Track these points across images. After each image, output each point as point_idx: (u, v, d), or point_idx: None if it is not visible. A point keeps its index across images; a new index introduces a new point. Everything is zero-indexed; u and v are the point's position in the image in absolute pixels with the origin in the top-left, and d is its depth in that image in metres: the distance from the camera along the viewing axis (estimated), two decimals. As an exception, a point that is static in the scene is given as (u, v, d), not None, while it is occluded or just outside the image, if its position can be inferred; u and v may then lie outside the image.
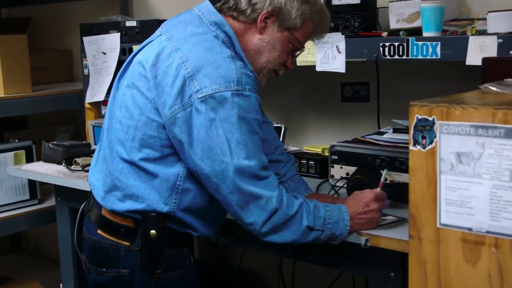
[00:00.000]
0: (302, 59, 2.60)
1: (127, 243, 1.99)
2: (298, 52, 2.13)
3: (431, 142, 1.57)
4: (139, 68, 1.95)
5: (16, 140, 3.53)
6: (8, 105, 3.01)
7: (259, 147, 1.89)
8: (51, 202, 3.53)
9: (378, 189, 2.07)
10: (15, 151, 3.44)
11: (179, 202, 1.96)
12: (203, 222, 2.03)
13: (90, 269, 2.10)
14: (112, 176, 1.99)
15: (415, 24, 2.42)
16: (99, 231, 2.05)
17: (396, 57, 2.37)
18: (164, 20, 2.15)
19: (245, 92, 1.84)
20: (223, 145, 1.82)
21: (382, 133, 2.71)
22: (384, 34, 2.46)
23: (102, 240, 2.03)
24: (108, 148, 2.03)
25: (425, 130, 1.57)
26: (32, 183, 3.53)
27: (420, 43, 2.31)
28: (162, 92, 1.87)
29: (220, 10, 2.02)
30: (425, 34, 2.32)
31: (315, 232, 1.94)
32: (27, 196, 3.54)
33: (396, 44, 2.36)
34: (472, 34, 2.27)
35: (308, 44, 2.55)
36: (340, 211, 2.00)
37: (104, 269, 2.03)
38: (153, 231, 1.94)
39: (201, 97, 1.81)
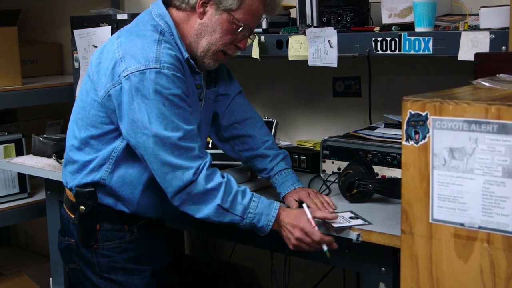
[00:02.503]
0: (294, 53, 2.60)
1: (72, 216, 2.23)
2: (249, 32, 2.18)
3: (424, 137, 1.57)
4: (93, 57, 2.17)
5: (6, 133, 3.51)
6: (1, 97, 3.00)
7: (184, 119, 2.01)
8: (41, 195, 3.51)
9: (316, 228, 2.08)
10: (5, 144, 3.43)
11: (111, 171, 2.13)
12: (138, 197, 2.16)
13: (58, 237, 2.35)
14: (67, 153, 2.23)
15: (407, 19, 2.41)
16: (63, 205, 2.32)
17: (388, 52, 2.37)
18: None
19: (163, 70, 1.98)
20: (143, 118, 1.98)
21: (374, 128, 2.71)
22: (376, 29, 2.45)
23: (63, 213, 2.31)
24: (69, 128, 2.25)
25: (418, 125, 1.57)
26: (22, 177, 3.52)
27: (412, 38, 2.31)
28: (100, 74, 2.08)
29: (168, 3, 2.16)
30: (417, 29, 2.32)
31: (230, 215, 2.05)
32: (16, 190, 3.53)
33: (388, 39, 2.36)
34: (465, 30, 2.26)
35: (300, 39, 2.56)
36: (270, 207, 2.10)
37: (62, 237, 2.30)
38: (82, 207, 2.15)
39: (125, 75, 2.00)
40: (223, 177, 2.06)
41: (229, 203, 2.04)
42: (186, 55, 2.12)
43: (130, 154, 2.11)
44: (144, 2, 3.67)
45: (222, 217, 2.05)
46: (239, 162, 2.63)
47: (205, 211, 2.04)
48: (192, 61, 2.14)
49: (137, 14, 2.21)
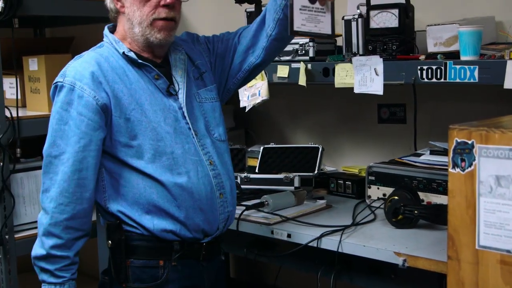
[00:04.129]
0: (340, 81, 2.64)
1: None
2: None
3: (470, 165, 1.60)
4: None
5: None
6: (52, 123, 3.10)
7: (61, 137, 2.00)
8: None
9: None
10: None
11: (101, 191, 2.09)
12: (135, 211, 2.06)
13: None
14: None
15: (453, 47, 2.44)
16: None
17: (434, 80, 2.39)
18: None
19: (64, 84, 2.01)
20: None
21: (419, 155, 2.74)
22: (422, 57, 2.48)
23: None
24: None
25: (464, 153, 1.61)
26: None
27: (458, 66, 2.33)
28: None
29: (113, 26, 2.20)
30: (463, 58, 2.35)
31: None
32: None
33: (434, 67, 2.39)
34: (510, 58, 2.27)
35: (346, 67, 2.61)
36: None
37: (103, 275, 2.20)
38: (109, 241, 2.07)
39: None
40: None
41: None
42: (122, 50, 2.08)
43: (102, 172, 2.09)
44: (192, 29, 3.77)
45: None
46: (286, 187, 2.69)
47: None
48: (133, 54, 2.08)
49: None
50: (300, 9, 2.01)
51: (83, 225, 2.04)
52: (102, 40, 2.16)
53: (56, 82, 2.04)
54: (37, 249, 2.04)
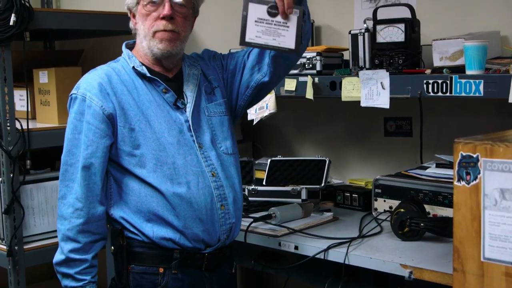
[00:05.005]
0: (347, 94, 2.67)
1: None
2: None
3: (475, 178, 1.62)
4: None
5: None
6: (62, 135, 3.10)
7: (76, 145, 2.10)
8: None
9: None
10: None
11: (108, 198, 2.16)
12: (137, 218, 2.12)
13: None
14: None
15: (458, 62, 2.46)
16: None
17: (440, 94, 2.41)
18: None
19: (77, 95, 2.12)
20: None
21: (425, 168, 2.76)
22: (428, 71, 2.51)
23: None
24: None
25: (469, 166, 1.63)
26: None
27: (463, 80, 2.35)
28: None
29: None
30: (468, 72, 2.37)
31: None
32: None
33: (439, 81, 2.41)
34: (515, 73, 2.30)
35: (353, 80, 2.64)
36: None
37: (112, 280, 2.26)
38: (112, 247, 2.16)
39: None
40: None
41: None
42: (132, 64, 2.18)
43: (109, 176, 2.16)
44: (201, 43, 3.79)
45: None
46: (293, 200, 2.71)
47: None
48: (143, 68, 2.17)
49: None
50: (255, 21, 2.00)
51: (98, 229, 2.12)
52: (110, 53, 2.24)
53: (71, 94, 2.15)
54: (57, 256, 2.13)
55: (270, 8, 1.99)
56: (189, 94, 2.20)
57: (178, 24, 2.15)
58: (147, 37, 2.14)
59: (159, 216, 2.10)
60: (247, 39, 2.01)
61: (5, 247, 2.97)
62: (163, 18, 2.13)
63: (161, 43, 2.13)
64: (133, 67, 2.17)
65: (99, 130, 2.08)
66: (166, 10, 2.11)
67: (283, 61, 2.20)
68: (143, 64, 2.18)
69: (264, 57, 2.22)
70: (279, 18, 2.00)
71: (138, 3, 2.15)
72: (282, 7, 1.98)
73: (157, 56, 2.16)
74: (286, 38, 2.01)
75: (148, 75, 2.16)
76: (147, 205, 2.10)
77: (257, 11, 2.00)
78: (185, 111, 2.18)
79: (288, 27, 2.01)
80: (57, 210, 2.12)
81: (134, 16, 2.20)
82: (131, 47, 2.26)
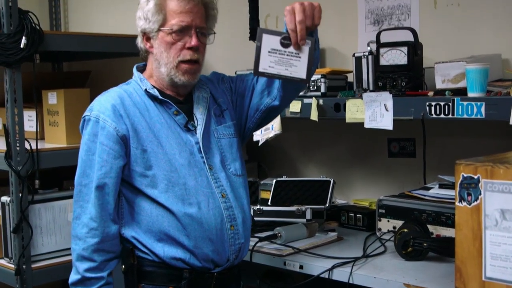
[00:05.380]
0: (351, 116, 2.70)
1: None
2: (188, 30, 2.16)
3: (476, 199, 1.65)
4: None
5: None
6: (70, 155, 3.15)
7: (90, 166, 2.13)
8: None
9: None
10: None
11: (120, 218, 2.18)
12: (148, 238, 2.15)
13: None
14: None
15: (460, 84, 2.49)
16: None
17: (442, 116, 2.44)
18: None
19: (90, 117, 2.16)
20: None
21: (428, 188, 2.79)
22: (430, 93, 2.54)
23: None
24: None
25: (471, 187, 1.66)
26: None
27: (465, 103, 2.38)
28: None
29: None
30: (470, 94, 2.40)
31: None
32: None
33: (442, 103, 2.44)
34: (516, 95, 2.33)
35: (357, 102, 2.67)
36: None
37: None
38: (122, 265, 2.18)
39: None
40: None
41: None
42: (144, 87, 2.21)
43: (130, 203, 2.18)
44: (205, 62, 3.84)
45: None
46: (298, 220, 2.74)
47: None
48: (155, 91, 2.20)
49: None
50: (269, 51, 2.03)
51: (112, 247, 2.15)
52: (117, 74, 2.26)
53: (84, 116, 2.18)
54: (72, 276, 2.15)
55: (283, 39, 2.03)
56: (199, 117, 2.24)
57: (201, 53, 2.21)
58: (169, 66, 2.17)
59: (170, 236, 2.12)
60: (261, 69, 2.04)
61: (13, 266, 3.00)
62: (190, 48, 2.16)
63: (184, 75, 2.18)
64: (145, 89, 2.20)
65: (113, 151, 2.12)
66: (194, 41, 2.16)
67: (292, 85, 2.23)
68: (154, 87, 2.22)
69: (274, 81, 2.26)
70: (291, 48, 2.03)
71: (159, 30, 2.16)
72: (295, 38, 2.01)
73: (176, 85, 2.21)
74: (298, 68, 2.04)
75: (160, 97, 2.19)
76: (158, 225, 2.13)
77: (271, 41, 2.03)
78: (196, 133, 2.21)
79: (300, 57, 2.04)
80: (72, 230, 2.15)
81: (148, 39, 2.21)
82: (141, 69, 2.30)
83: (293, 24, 2.00)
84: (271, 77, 2.11)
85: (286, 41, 2.03)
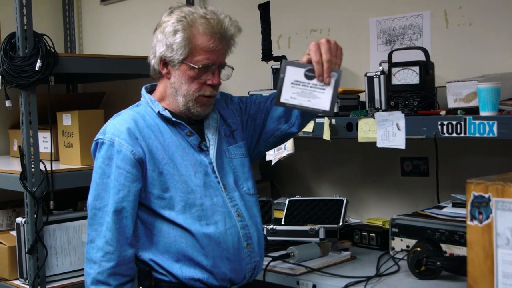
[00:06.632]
0: (364, 135, 2.71)
1: None
2: (213, 67, 2.18)
3: (487, 218, 1.65)
4: None
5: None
6: (85, 176, 3.18)
7: (105, 190, 2.12)
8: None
9: None
10: (88, 220, 3.57)
11: (137, 241, 2.17)
12: (166, 259, 2.15)
13: None
14: None
15: (472, 103, 2.50)
16: None
17: (454, 135, 2.45)
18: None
19: (104, 140, 2.15)
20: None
21: (442, 207, 2.78)
22: (442, 112, 2.55)
23: None
24: None
25: (482, 206, 1.66)
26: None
27: (477, 122, 2.38)
28: None
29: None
30: (482, 113, 2.40)
31: None
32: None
33: (454, 122, 2.44)
34: (528, 114, 2.33)
35: (369, 122, 2.68)
36: None
37: None
38: (140, 287, 2.17)
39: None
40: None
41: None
42: (157, 109, 2.21)
43: (146, 225, 2.18)
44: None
45: None
46: (311, 239, 2.74)
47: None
48: (167, 112, 2.21)
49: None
50: (292, 83, 2.04)
51: (128, 271, 2.13)
52: (130, 95, 2.27)
53: (97, 139, 2.18)
54: None
55: (307, 71, 2.05)
56: (211, 137, 2.26)
57: (218, 89, 2.25)
58: (188, 98, 2.19)
59: (188, 257, 2.13)
60: (282, 100, 2.05)
61: (28, 286, 3.02)
62: (211, 85, 2.19)
63: (201, 107, 2.21)
64: (158, 112, 2.21)
65: (130, 174, 2.12)
66: (216, 80, 2.20)
67: (312, 114, 2.24)
68: (166, 109, 2.23)
69: (292, 111, 2.28)
70: (315, 81, 2.04)
71: (183, 62, 2.16)
72: (320, 70, 2.03)
73: (192, 114, 2.23)
74: (321, 100, 2.05)
75: (173, 119, 2.21)
76: (176, 246, 2.13)
77: (295, 73, 2.05)
78: (209, 153, 2.23)
79: (324, 89, 2.05)
80: (85, 254, 2.14)
81: (165, 65, 2.20)
82: (148, 90, 2.32)
83: (319, 57, 2.02)
84: (292, 108, 2.13)
85: (310, 74, 2.04)
